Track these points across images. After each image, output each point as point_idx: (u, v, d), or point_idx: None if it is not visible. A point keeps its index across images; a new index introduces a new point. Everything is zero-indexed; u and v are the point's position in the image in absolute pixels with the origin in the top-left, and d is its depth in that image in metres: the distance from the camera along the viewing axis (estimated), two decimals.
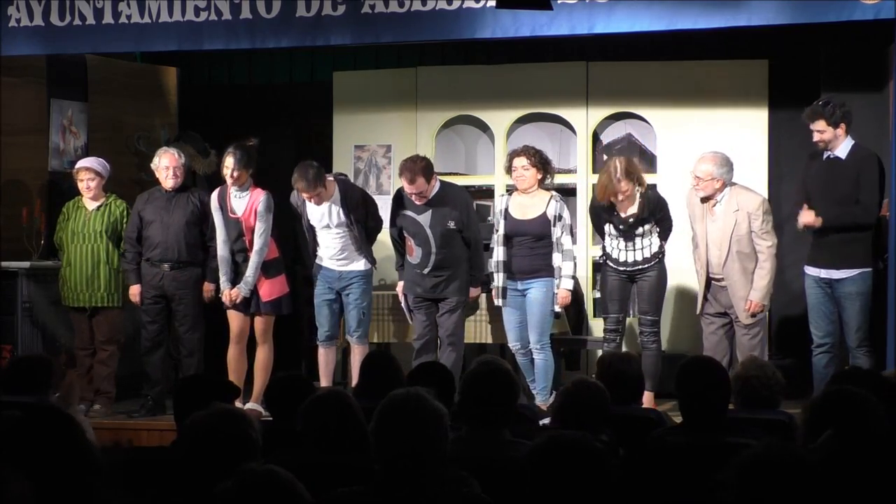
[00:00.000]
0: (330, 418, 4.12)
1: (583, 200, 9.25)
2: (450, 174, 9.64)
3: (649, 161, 9.33)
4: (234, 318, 7.96)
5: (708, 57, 9.16)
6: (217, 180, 8.41)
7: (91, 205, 8.23)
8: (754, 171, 8.75)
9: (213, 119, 9.78)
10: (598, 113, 9.32)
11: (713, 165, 7.60)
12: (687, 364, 4.72)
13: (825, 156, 7.43)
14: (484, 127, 9.62)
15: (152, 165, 8.19)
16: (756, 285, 7.58)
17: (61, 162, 9.03)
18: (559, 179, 9.48)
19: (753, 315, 7.61)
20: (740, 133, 8.87)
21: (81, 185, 8.21)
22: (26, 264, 8.46)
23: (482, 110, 9.53)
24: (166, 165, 8.09)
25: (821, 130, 7.34)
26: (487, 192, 9.62)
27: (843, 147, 7.36)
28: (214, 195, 8.02)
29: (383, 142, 9.67)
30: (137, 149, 9.50)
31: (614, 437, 4.72)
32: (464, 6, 7.22)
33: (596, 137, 9.39)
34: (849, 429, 3.43)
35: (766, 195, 8.33)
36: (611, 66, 9.33)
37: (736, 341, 7.72)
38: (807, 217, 7.42)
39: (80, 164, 8.32)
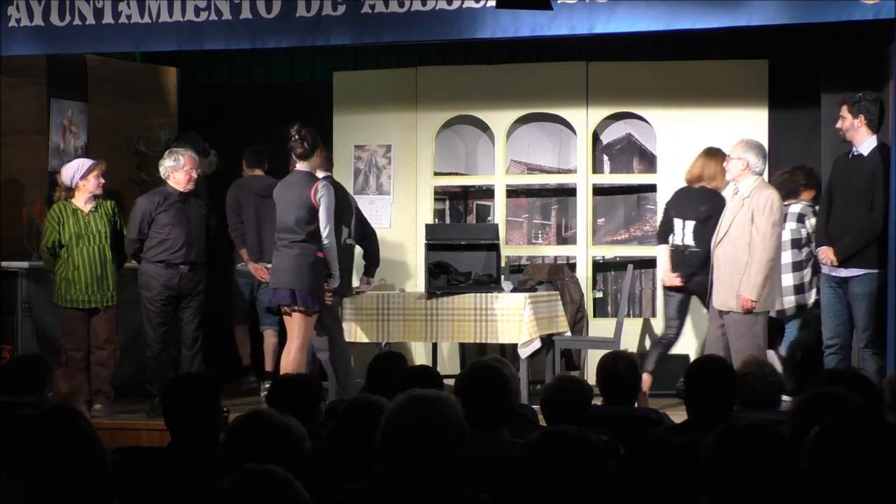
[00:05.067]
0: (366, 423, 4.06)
1: (583, 200, 9.26)
2: (450, 174, 9.65)
3: (649, 161, 9.35)
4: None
5: (708, 57, 9.17)
6: (217, 180, 8.40)
7: (86, 207, 8.05)
8: None
9: (213, 119, 9.77)
10: (598, 113, 9.32)
11: (743, 147, 7.58)
12: (696, 363, 4.73)
13: (850, 153, 7.47)
14: (484, 127, 9.62)
15: (167, 165, 7.98)
16: (744, 279, 7.34)
17: (61, 162, 8.94)
18: (558, 179, 9.52)
19: (748, 312, 7.36)
20: (740, 133, 8.80)
21: (95, 182, 8.00)
22: (26, 264, 8.44)
23: (482, 110, 9.53)
24: (186, 167, 7.94)
25: (843, 116, 7.43)
26: (487, 192, 9.62)
27: (866, 144, 7.39)
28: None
29: (383, 142, 9.67)
30: (137, 149, 9.49)
31: (614, 437, 4.72)
32: (464, 6, 7.22)
33: (596, 137, 9.39)
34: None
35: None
36: (611, 66, 9.33)
37: (728, 338, 7.46)
38: (824, 256, 7.46)
39: (90, 163, 8.15)
